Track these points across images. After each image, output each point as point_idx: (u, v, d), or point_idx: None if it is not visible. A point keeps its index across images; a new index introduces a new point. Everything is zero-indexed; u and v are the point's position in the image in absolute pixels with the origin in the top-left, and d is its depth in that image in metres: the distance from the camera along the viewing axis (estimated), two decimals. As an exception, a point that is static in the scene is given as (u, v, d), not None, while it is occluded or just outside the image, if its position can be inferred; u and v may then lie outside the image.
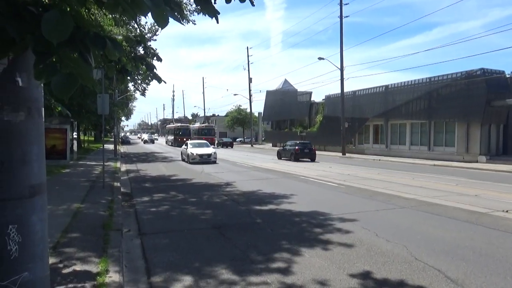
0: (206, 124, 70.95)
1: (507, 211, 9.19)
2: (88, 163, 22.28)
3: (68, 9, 2.23)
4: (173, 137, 58.33)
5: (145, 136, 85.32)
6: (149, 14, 2.00)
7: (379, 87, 35.40)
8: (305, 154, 27.28)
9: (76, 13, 2.07)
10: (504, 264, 5.45)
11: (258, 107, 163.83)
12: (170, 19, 2.08)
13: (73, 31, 1.89)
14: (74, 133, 25.98)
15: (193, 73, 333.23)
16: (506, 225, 7.85)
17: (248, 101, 61.89)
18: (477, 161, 25.72)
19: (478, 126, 26.61)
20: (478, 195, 11.86)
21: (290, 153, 27.76)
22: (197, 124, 75.77)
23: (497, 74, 27.09)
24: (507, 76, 27.66)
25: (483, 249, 6.15)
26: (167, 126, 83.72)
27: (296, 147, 27.37)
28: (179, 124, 69.38)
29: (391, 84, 34.17)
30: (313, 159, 27.32)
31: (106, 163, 15.25)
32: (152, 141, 76.18)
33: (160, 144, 66.84)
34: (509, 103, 25.36)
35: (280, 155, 29.66)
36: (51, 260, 5.00)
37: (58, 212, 8.22)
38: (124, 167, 21.41)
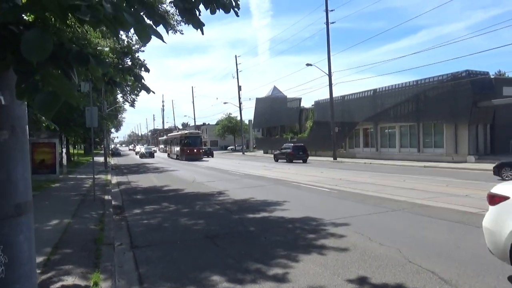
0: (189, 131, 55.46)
1: (497, 210, 9.29)
2: (78, 176, 22.03)
3: (52, 22, 2.21)
4: (179, 148, 47.00)
5: (141, 148, 65.19)
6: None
7: (368, 91, 35.76)
8: (207, 154, 49.60)
9: (58, 30, 2.05)
10: (496, 263, 5.49)
11: (248, 115, 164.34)
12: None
13: (56, 48, 1.87)
14: (64, 148, 25.70)
15: (182, 83, 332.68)
16: (496, 224, 7.93)
17: (238, 109, 62.07)
18: (466, 161, 26.05)
19: (466, 126, 27.00)
20: (468, 195, 11.99)
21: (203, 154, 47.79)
22: (177, 132, 58.95)
23: (482, 75, 27.60)
24: (492, 77, 28.20)
25: (475, 249, 6.20)
26: (168, 134, 67.62)
27: (202, 150, 47.22)
28: (186, 132, 52.87)
29: (379, 88, 34.55)
30: (212, 156, 49.29)
31: (96, 176, 15.09)
32: (151, 154, 57.16)
33: (162, 158, 54.39)
34: (494, 103, 25.82)
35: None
36: (42, 277, 4.92)
37: (49, 227, 8.10)
38: (115, 179, 21.20)
